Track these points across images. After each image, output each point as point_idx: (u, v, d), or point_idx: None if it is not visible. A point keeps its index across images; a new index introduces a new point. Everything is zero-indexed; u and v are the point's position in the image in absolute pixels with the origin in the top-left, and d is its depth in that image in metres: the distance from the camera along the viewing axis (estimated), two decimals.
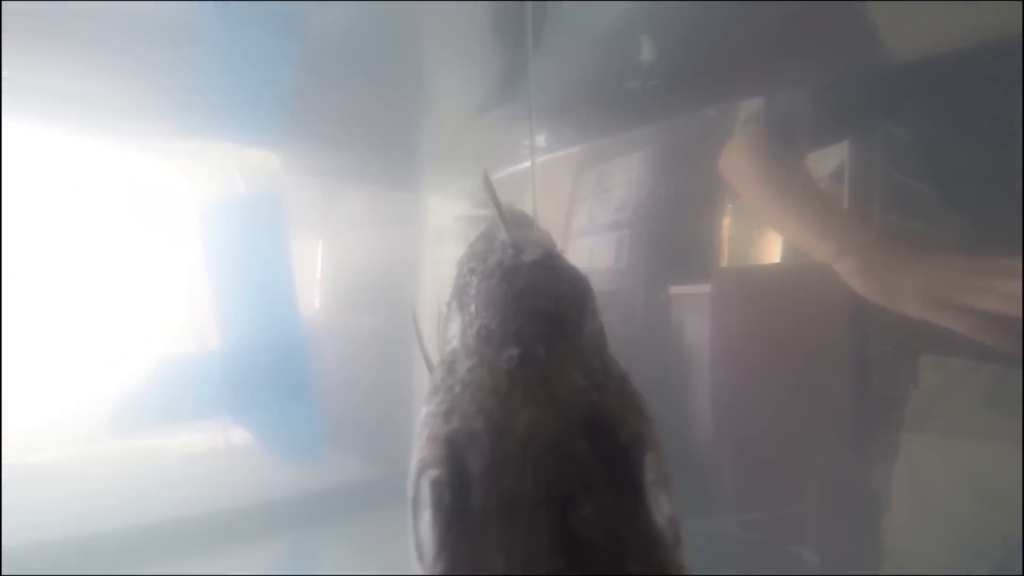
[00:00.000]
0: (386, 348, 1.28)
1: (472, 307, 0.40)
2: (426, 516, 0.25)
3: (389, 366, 1.24)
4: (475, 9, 0.74)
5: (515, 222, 0.59)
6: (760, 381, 0.94)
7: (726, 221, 1.00)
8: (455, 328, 0.43)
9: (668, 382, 1.04)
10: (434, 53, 0.88)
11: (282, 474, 1.18)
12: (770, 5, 0.71)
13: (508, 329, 0.35)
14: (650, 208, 1.13)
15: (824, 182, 0.88)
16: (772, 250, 0.97)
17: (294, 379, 1.18)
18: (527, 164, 1.28)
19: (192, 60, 0.83)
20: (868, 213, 0.83)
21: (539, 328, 0.34)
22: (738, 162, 0.94)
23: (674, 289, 1.06)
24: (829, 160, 0.88)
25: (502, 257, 0.44)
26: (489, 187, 0.52)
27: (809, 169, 0.89)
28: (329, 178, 1.36)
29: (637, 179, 1.14)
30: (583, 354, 0.35)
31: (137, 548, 0.98)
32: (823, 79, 0.88)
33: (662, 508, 0.26)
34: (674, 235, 1.08)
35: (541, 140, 1.19)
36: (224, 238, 1.15)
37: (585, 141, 1.23)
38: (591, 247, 1.22)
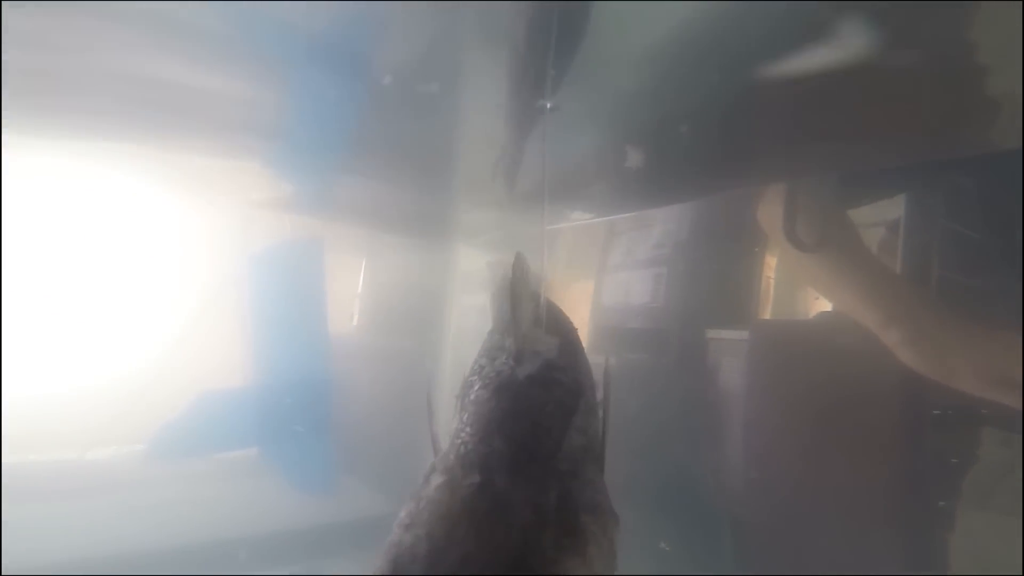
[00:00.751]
0: (406, 389, 1.31)
1: (465, 415, 0.44)
2: None
3: (408, 409, 1.27)
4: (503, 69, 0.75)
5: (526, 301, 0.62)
6: (798, 436, 0.89)
7: (770, 268, 0.98)
8: (455, 424, 0.46)
9: (697, 423, 1.02)
10: (467, 109, 0.90)
11: (302, 504, 1.22)
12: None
13: (480, 452, 0.38)
14: (691, 247, 1.12)
15: (877, 237, 0.84)
16: (818, 303, 0.94)
17: (317, 415, 1.23)
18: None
19: (259, 106, 0.89)
20: (924, 271, 0.79)
21: (507, 457, 0.37)
22: (773, 214, 0.90)
23: (711, 333, 1.03)
24: (884, 213, 0.84)
25: (502, 367, 0.48)
26: (508, 287, 0.55)
27: (856, 225, 0.86)
28: (370, 227, 1.44)
29: (679, 215, 1.14)
30: (546, 481, 0.37)
31: (163, 566, 1.03)
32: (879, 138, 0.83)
33: None
34: (714, 277, 1.05)
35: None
36: (268, 281, 1.23)
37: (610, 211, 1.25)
38: (627, 282, 1.22)
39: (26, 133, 0.98)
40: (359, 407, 1.28)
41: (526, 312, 0.53)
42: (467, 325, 1.36)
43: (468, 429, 0.41)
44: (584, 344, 1.35)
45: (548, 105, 0.70)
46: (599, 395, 0.55)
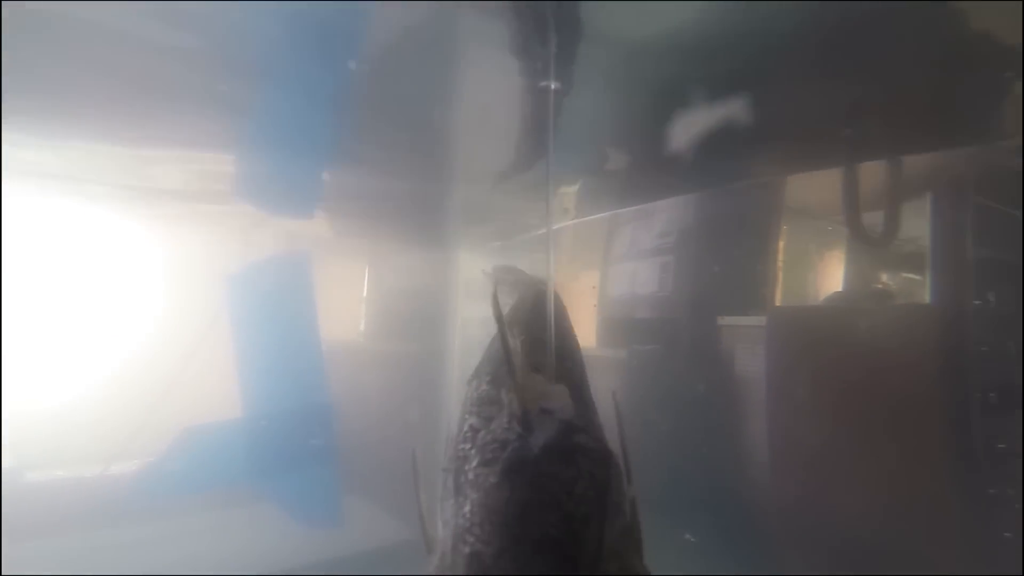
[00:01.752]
0: (414, 396, 1.25)
1: (467, 505, 0.34)
2: None
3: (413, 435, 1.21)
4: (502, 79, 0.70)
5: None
6: (824, 421, 0.86)
7: (783, 250, 0.95)
8: (449, 509, 0.37)
9: (713, 411, 0.99)
10: (463, 120, 0.86)
11: (308, 539, 1.15)
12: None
13: (506, 569, 0.29)
14: (697, 235, 1.08)
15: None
16: (829, 286, 0.92)
17: (317, 444, 1.15)
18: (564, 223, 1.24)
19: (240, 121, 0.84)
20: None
21: (544, 569, 0.29)
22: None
23: (723, 320, 1.00)
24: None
25: (506, 436, 0.38)
26: (496, 310, 0.46)
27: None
28: (371, 240, 1.37)
29: (682, 204, 1.10)
30: None
31: None
32: None
33: None
34: (724, 264, 1.02)
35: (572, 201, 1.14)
36: (249, 303, 1.14)
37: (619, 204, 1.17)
38: (633, 272, 1.18)
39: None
40: (365, 425, 1.20)
41: (521, 354, 0.43)
42: (471, 334, 1.29)
43: (477, 531, 0.31)
44: (592, 338, 1.29)
45: (552, 86, 0.63)
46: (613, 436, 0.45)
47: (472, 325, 1.28)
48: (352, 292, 1.36)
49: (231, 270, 1.13)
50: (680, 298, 1.08)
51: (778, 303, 0.96)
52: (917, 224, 0.81)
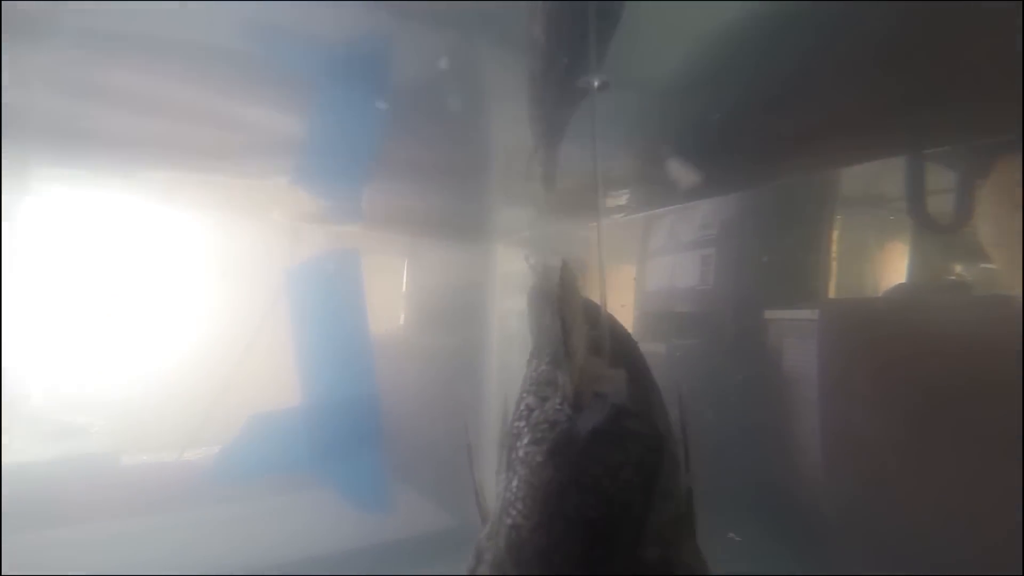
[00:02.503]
0: (454, 387, 1.29)
1: (515, 480, 0.37)
2: None
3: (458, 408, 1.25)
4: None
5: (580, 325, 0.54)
6: (881, 420, 0.82)
7: (837, 240, 0.91)
8: (501, 484, 0.40)
9: (758, 408, 0.97)
10: (500, 116, 0.89)
11: (360, 522, 1.22)
12: None
13: (538, 544, 0.31)
14: (740, 227, 1.05)
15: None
16: (898, 276, 0.87)
17: (367, 431, 1.22)
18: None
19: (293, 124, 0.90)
20: None
21: (574, 552, 0.30)
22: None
23: (770, 314, 0.97)
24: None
25: (556, 416, 0.40)
26: (555, 304, 0.46)
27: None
28: (408, 232, 1.42)
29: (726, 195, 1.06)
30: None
31: None
32: None
33: None
34: (771, 256, 0.98)
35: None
36: (307, 297, 1.22)
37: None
38: (672, 265, 1.16)
39: (62, 166, 1.00)
40: (409, 415, 1.26)
41: (581, 338, 0.45)
42: (509, 328, 1.32)
43: (519, 505, 0.34)
44: (629, 328, 1.30)
45: (596, 83, 0.63)
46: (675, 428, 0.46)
47: (510, 318, 1.31)
48: (396, 287, 1.42)
49: (287, 265, 1.20)
50: (723, 292, 1.06)
51: (832, 296, 0.92)
52: (991, 211, 0.76)
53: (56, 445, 1.03)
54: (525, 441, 0.39)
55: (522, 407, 0.43)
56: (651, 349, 1.18)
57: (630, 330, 1.26)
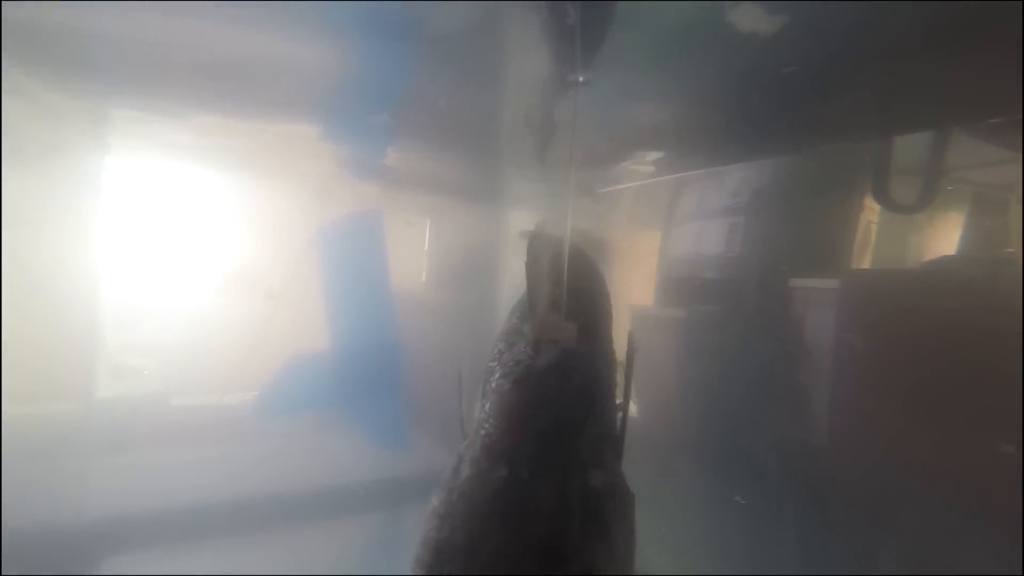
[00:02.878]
0: (471, 344, 1.39)
1: (488, 405, 0.46)
2: None
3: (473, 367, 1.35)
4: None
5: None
6: (900, 394, 0.80)
7: (880, 210, 0.88)
8: (477, 411, 0.49)
9: (778, 376, 0.97)
10: (509, 75, 0.89)
11: (379, 457, 1.36)
12: None
13: (506, 444, 0.41)
14: (772, 195, 1.04)
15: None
16: (925, 249, 0.84)
17: (389, 376, 1.34)
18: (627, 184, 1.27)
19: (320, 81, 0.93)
20: None
21: (531, 449, 0.40)
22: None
23: (795, 282, 0.97)
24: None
25: (521, 356, 0.50)
26: (529, 266, 0.56)
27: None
28: (428, 192, 1.50)
29: (758, 163, 1.06)
30: (569, 471, 0.39)
31: (259, 513, 1.23)
32: None
33: None
34: (805, 226, 0.97)
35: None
36: (335, 252, 1.33)
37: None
38: (699, 233, 1.18)
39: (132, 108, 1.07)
40: (427, 366, 1.37)
41: (543, 298, 0.54)
42: (519, 286, 1.39)
43: (492, 420, 0.43)
44: (650, 297, 1.33)
45: (580, 79, 0.67)
46: (623, 371, 0.55)
47: (520, 278, 1.39)
48: (420, 245, 1.51)
49: (318, 223, 1.31)
50: (750, 260, 1.06)
51: (867, 266, 0.90)
52: None
53: (117, 384, 1.18)
54: (496, 376, 0.49)
55: (495, 351, 0.53)
56: (672, 314, 1.22)
57: (651, 294, 1.30)
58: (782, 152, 1.03)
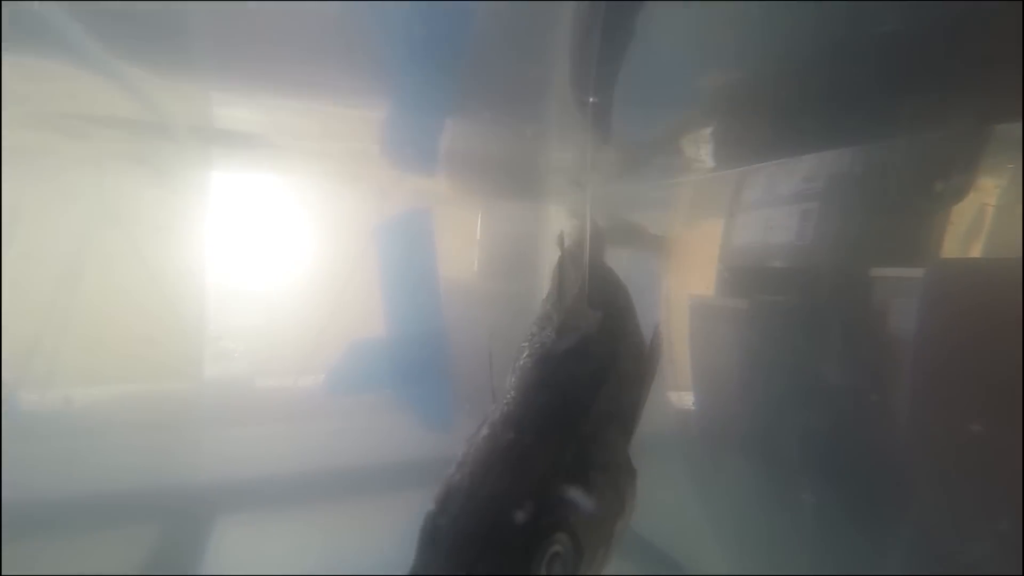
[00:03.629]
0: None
1: (513, 379, 0.54)
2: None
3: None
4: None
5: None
6: (985, 388, 0.75)
7: (955, 202, 0.82)
8: (508, 381, 0.57)
9: (848, 369, 0.93)
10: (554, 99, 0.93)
11: (428, 439, 1.47)
12: None
13: (518, 414, 0.48)
14: (850, 180, 0.98)
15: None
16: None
17: (436, 362, 1.45)
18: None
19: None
20: None
21: (539, 417, 0.47)
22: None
23: (877, 271, 0.92)
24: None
25: (546, 339, 0.57)
26: (558, 269, 0.63)
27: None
28: (482, 196, 1.62)
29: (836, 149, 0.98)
30: (565, 442, 0.46)
31: (318, 484, 1.35)
32: None
33: None
34: (879, 214, 0.92)
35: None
36: (390, 247, 1.45)
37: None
38: (767, 220, 1.13)
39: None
40: (473, 351, 1.46)
41: (570, 287, 0.61)
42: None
43: (512, 393, 0.51)
44: (711, 288, 1.32)
45: (592, 100, 0.71)
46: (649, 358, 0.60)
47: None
48: (466, 238, 1.61)
49: (375, 220, 1.43)
50: (822, 248, 1.02)
51: (967, 255, 0.84)
52: None
53: (214, 366, 1.34)
54: (524, 355, 0.56)
55: (528, 333, 0.61)
56: (733, 304, 1.21)
57: (711, 286, 1.29)
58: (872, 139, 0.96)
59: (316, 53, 0.88)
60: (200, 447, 1.30)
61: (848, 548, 0.90)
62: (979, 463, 0.76)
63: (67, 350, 1.22)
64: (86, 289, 1.22)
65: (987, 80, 0.71)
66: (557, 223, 1.42)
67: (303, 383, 1.44)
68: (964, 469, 0.78)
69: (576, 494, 0.42)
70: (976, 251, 0.84)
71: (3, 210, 1.07)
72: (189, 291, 1.30)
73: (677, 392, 1.32)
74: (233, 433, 1.35)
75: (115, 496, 1.18)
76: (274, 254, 1.40)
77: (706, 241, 1.27)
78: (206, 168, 1.30)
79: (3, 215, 1.07)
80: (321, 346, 1.40)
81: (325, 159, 1.39)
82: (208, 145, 1.24)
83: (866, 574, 0.80)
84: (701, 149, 1.16)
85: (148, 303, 1.25)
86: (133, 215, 1.22)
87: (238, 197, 1.37)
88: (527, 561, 0.38)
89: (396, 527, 1.32)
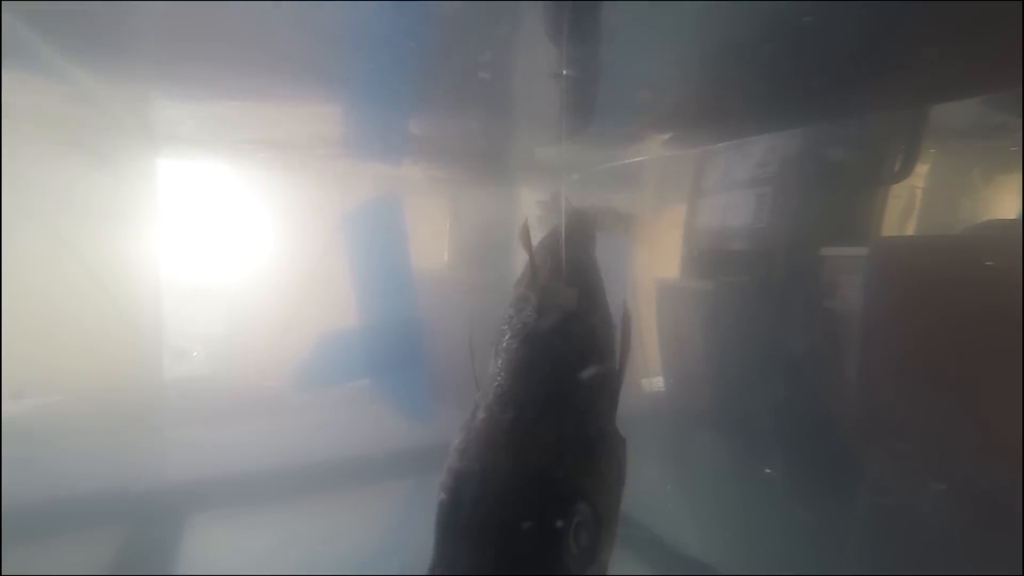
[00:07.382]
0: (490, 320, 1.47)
1: (500, 361, 0.54)
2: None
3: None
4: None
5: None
6: (930, 361, 0.79)
7: (927, 175, 0.87)
8: (491, 367, 0.58)
9: (810, 345, 0.96)
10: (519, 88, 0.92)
11: (407, 428, 1.46)
12: None
13: (514, 392, 0.49)
14: (801, 164, 1.02)
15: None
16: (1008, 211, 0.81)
17: (411, 351, 1.44)
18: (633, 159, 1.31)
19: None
20: None
21: (537, 393, 0.48)
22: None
23: (825, 251, 0.96)
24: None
25: (527, 319, 0.57)
26: (524, 237, 0.64)
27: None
28: (450, 183, 1.59)
29: (788, 132, 1.04)
30: (567, 413, 0.47)
31: (293, 480, 1.34)
32: None
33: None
34: (837, 193, 0.95)
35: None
36: (359, 234, 1.42)
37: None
38: (725, 204, 1.17)
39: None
40: (448, 340, 1.46)
41: (544, 268, 0.62)
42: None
43: (503, 374, 0.51)
44: (676, 270, 1.35)
45: (564, 72, 0.71)
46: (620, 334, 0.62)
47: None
48: (436, 227, 1.60)
49: (343, 208, 1.40)
50: (777, 230, 1.05)
51: (912, 232, 0.89)
52: None
53: (175, 367, 1.30)
54: (507, 337, 0.57)
55: (506, 316, 0.61)
56: (698, 286, 1.23)
57: (678, 267, 1.32)
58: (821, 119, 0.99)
59: (277, 43, 0.85)
60: (165, 448, 1.26)
61: (812, 507, 0.95)
62: (921, 425, 0.81)
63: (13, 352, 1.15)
64: (30, 285, 1.14)
65: (923, 63, 0.73)
66: (528, 209, 1.43)
67: (271, 378, 1.40)
68: (909, 431, 0.83)
69: (585, 464, 0.43)
70: (910, 230, 0.91)
71: None
72: (144, 288, 1.24)
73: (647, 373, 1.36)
74: (199, 433, 1.31)
75: (77, 501, 1.14)
76: (236, 249, 1.35)
77: (669, 222, 1.31)
78: (154, 156, 1.24)
79: None
80: (288, 341, 1.37)
81: (286, 150, 1.34)
82: (157, 138, 1.18)
83: (862, 574, 0.83)
84: (661, 134, 1.18)
85: (98, 300, 1.19)
86: (81, 203, 1.15)
87: (192, 188, 1.31)
88: (560, 536, 0.38)
89: (377, 519, 1.32)
